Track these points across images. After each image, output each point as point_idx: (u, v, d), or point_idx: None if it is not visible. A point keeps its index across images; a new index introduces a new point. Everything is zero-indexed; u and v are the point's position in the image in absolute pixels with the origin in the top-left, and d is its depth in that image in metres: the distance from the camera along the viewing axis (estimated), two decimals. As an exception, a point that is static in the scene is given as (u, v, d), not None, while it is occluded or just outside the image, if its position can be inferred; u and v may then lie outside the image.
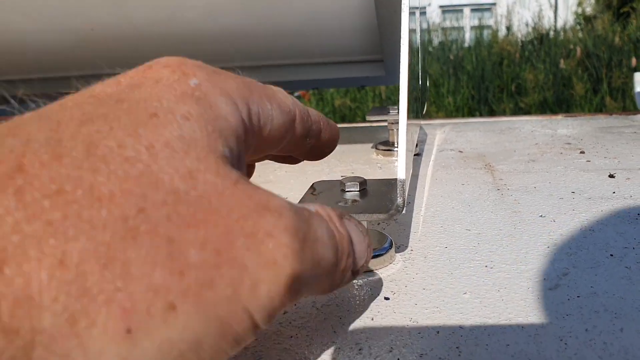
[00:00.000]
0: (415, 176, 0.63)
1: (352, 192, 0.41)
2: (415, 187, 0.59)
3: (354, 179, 0.42)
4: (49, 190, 0.17)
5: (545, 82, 4.79)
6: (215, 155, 0.21)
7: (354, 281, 0.39)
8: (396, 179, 0.38)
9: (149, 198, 0.18)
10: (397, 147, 0.73)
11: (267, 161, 0.73)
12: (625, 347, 0.30)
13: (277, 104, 0.28)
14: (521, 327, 0.33)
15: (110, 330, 0.16)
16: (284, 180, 0.65)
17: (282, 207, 0.21)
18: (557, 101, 4.65)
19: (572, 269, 0.39)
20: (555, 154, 0.70)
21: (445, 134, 0.90)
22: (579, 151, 0.70)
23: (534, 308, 0.35)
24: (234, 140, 0.23)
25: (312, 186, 0.44)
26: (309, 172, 0.68)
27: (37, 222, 0.17)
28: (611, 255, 0.41)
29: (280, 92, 0.29)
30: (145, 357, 0.17)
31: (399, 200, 0.37)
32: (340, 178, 0.43)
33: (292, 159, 0.37)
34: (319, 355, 0.31)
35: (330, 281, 0.25)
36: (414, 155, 0.73)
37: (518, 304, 0.35)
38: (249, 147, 0.26)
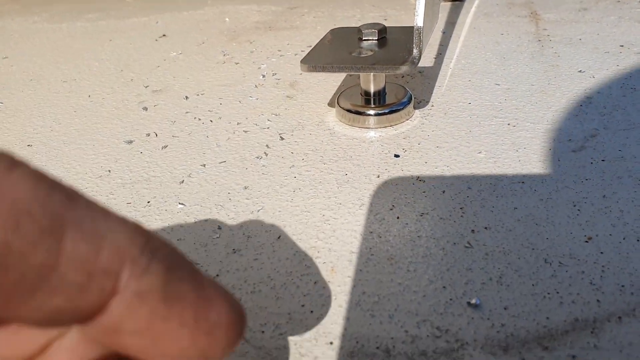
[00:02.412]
0: (452, 24, 0.59)
1: (370, 41, 0.38)
2: (450, 37, 0.55)
3: (372, 26, 0.38)
4: None
5: None
6: None
7: (364, 136, 0.37)
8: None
9: None
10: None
11: (296, 6, 0.68)
12: (642, 216, 0.28)
13: None
14: (534, 190, 0.31)
15: None
16: (310, 26, 0.62)
17: None
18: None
19: (603, 130, 0.36)
20: (611, 2, 0.63)
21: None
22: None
23: (552, 170, 0.32)
24: None
25: (328, 33, 0.41)
26: (339, 18, 0.64)
27: None
28: (649, 116, 0.37)
29: None
30: None
31: (415, 51, 0.34)
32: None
33: None
34: (320, 210, 0.31)
35: None
36: (455, 1, 0.67)
37: (535, 166, 0.33)
38: None
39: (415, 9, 0.34)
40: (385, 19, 0.62)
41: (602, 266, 0.25)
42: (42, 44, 0.64)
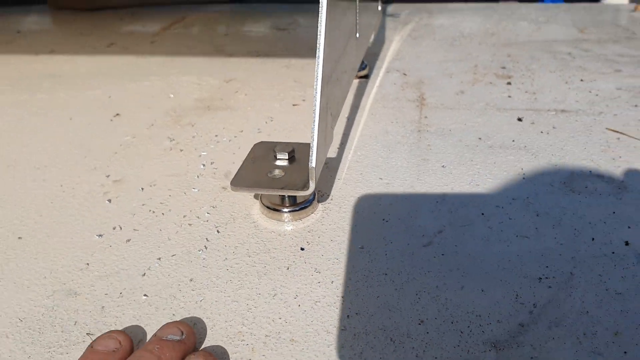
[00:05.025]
0: (355, 108, 0.73)
1: (282, 160, 0.52)
2: (353, 123, 0.69)
3: (284, 147, 0.52)
4: None
5: None
6: None
7: (281, 230, 0.51)
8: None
9: None
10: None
11: (229, 83, 0.80)
12: (459, 304, 0.43)
13: None
14: (392, 281, 0.45)
15: None
16: (242, 107, 0.75)
17: None
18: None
19: (448, 227, 0.51)
20: (485, 83, 0.78)
21: (401, 43, 0.97)
22: (507, 81, 0.78)
23: (407, 263, 0.47)
24: None
25: (253, 147, 0.54)
26: (266, 97, 0.77)
27: None
28: (482, 214, 0.52)
29: None
30: None
31: (311, 184, 0.48)
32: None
33: None
34: (245, 300, 0.44)
35: None
36: (361, 77, 0.82)
37: (397, 259, 0.47)
38: None
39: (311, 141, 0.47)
40: (304, 100, 0.76)
41: (426, 344, 0.40)
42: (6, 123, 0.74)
